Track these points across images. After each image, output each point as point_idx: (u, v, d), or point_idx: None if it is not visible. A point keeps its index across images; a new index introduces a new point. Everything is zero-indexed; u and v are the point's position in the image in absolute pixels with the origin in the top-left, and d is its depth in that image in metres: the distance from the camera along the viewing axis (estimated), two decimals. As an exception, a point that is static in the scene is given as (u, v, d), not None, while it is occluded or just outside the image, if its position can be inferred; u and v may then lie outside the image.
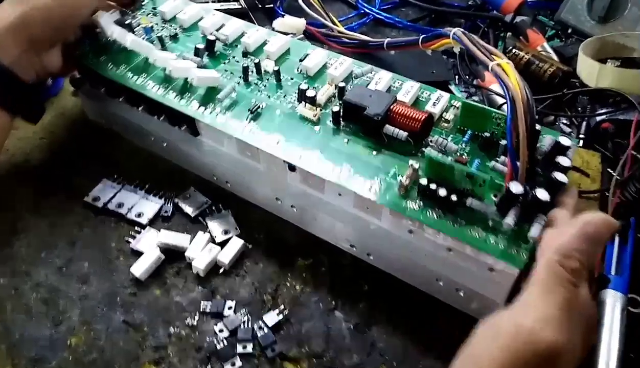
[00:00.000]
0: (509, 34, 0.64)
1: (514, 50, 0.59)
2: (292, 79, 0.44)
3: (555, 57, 0.59)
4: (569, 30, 0.64)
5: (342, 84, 0.42)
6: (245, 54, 0.47)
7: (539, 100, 0.55)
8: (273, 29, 0.56)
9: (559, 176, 0.33)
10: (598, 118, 0.52)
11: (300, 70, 0.45)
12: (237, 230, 0.45)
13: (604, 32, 0.61)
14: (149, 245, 0.44)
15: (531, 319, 0.27)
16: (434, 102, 0.41)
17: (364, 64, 0.45)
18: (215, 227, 0.45)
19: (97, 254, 0.44)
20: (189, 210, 0.46)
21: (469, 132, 0.39)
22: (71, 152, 0.52)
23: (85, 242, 0.45)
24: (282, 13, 0.67)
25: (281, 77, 0.44)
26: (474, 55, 0.37)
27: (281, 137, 0.40)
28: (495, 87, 0.55)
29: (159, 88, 0.44)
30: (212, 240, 0.44)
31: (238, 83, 0.44)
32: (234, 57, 0.47)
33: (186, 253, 0.43)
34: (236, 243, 0.44)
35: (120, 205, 0.47)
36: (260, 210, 0.46)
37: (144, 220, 0.46)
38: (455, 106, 0.41)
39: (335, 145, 0.39)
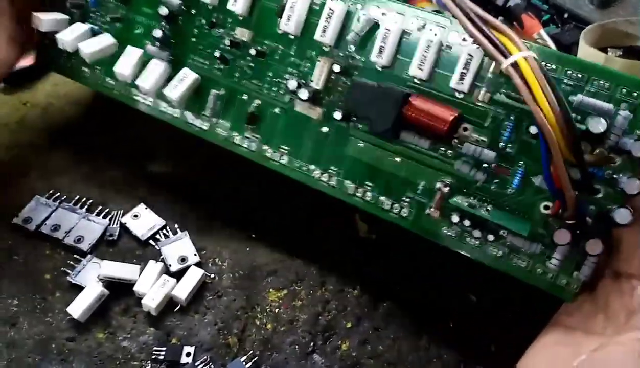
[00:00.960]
0: (500, 18, 0.57)
1: (508, 38, 0.53)
2: (279, 50, 0.35)
3: (552, 46, 0.53)
4: (565, 15, 0.59)
5: (336, 68, 0.33)
6: (212, 24, 0.36)
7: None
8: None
9: (620, 215, 0.26)
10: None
11: (283, 35, 0.34)
12: (197, 256, 0.38)
13: (604, 18, 0.56)
14: (91, 278, 0.37)
15: None
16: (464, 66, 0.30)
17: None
18: (170, 253, 0.38)
19: (28, 289, 0.37)
20: (138, 232, 0.39)
21: (512, 118, 0.30)
22: (-2, 162, 0.44)
23: (14, 273, 0.38)
24: None
25: (265, 51, 0.35)
26: (470, 36, 0.28)
27: (288, 150, 0.35)
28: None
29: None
30: (166, 269, 0.37)
31: (218, 69, 0.37)
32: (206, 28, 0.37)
33: (135, 288, 0.36)
34: (195, 274, 0.37)
35: (56, 227, 0.39)
36: (224, 231, 0.40)
37: (84, 245, 0.38)
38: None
39: (351, 153, 0.34)
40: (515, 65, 0.26)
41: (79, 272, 0.37)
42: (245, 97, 0.36)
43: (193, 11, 0.36)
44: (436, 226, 0.32)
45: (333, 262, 0.39)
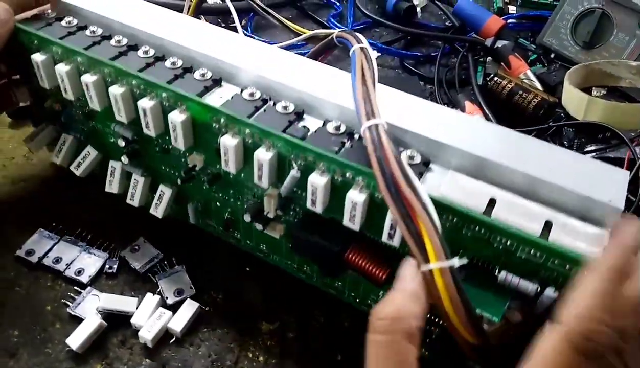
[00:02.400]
0: (489, 58, 0.60)
1: (495, 79, 0.55)
2: (230, 177, 0.36)
3: (539, 86, 0.55)
4: (552, 55, 0.61)
5: (284, 192, 0.32)
6: (165, 150, 0.38)
7: (523, 132, 0.51)
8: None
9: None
10: (587, 156, 0.48)
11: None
12: (192, 289, 0.40)
13: (589, 58, 0.58)
14: (90, 310, 0.38)
15: None
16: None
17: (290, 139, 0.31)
18: (167, 286, 0.39)
19: (29, 320, 0.38)
20: (136, 265, 0.41)
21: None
22: (3, 195, 0.46)
23: (16, 304, 0.39)
24: (249, 34, 0.62)
25: (220, 174, 0.36)
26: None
27: (265, 250, 0.38)
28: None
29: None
30: (163, 302, 0.39)
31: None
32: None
33: (132, 320, 0.37)
34: (190, 307, 0.38)
35: (57, 260, 0.41)
36: (219, 265, 0.41)
37: (84, 278, 0.40)
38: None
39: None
40: (430, 273, 0.24)
41: (79, 304, 0.38)
42: (218, 204, 0.39)
43: (146, 141, 0.38)
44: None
45: (322, 294, 0.40)
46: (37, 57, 0.38)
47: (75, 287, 0.40)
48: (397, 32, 0.64)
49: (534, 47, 0.63)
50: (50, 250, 0.41)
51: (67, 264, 0.41)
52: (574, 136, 0.51)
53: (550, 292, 0.27)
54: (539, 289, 0.27)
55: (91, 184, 0.44)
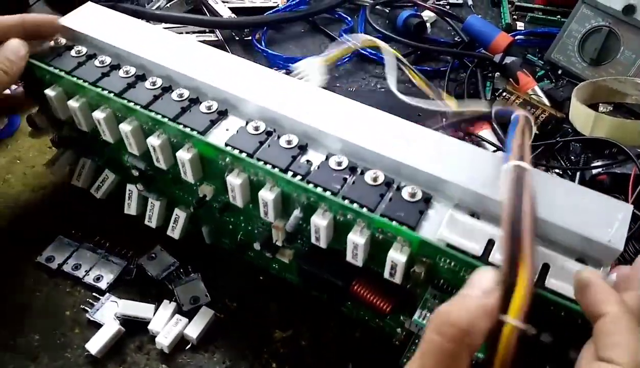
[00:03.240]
0: (497, 74, 0.61)
1: (504, 94, 0.56)
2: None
3: (546, 101, 0.56)
4: (559, 71, 0.62)
5: (289, 228, 0.34)
6: (176, 180, 0.39)
7: (531, 147, 0.52)
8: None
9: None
10: (593, 171, 0.49)
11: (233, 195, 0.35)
12: (208, 297, 0.41)
13: (596, 75, 0.59)
14: (108, 316, 0.39)
15: None
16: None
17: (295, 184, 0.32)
18: (183, 293, 0.41)
19: (50, 325, 0.39)
20: (153, 273, 0.42)
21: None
22: (24, 203, 0.47)
23: (37, 310, 0.40)
24: (262, 48, 0.64)
25: (228, 203, 0.37)
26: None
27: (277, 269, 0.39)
28: (486, 133, 0.52)
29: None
30: (179, 309, 0.40)
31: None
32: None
33: (149, 326, 0.38)
34: (206, 314, 0.39)
35: (77, 266, 0.42)
36: (234, 273, 0.42)
37: (102, 284, 0.41)
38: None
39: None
40: (501, 323, 0.24)
41: (98, 309, 0.40)
42: (230, 227, 0.41)
43: (158, 170, 0.39)
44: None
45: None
46: (50, 92, 0.39)
47: (94, 293, 0.41)
48: (408, 47, 0.65)
49: (542, 63, 0.64)
50: (69, 257, 0.43)
51: (86, 271, 0.42)
52: (581, 151, 0.52)
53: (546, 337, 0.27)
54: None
55: (109, 194, 0.45)
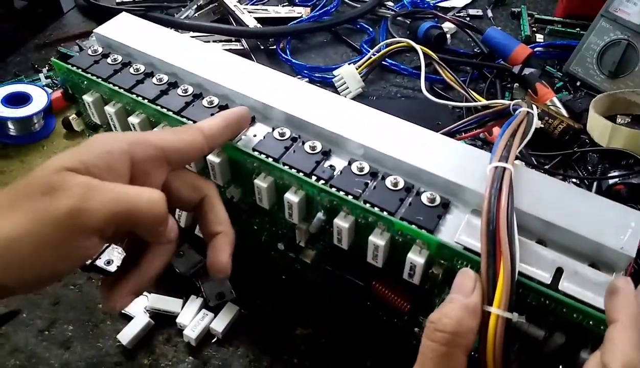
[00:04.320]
0: (516, 85, 0.62)
1: (522, 104, 0.57)
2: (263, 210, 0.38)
3: (564, 112, 0.57)
4: (578, 83, 0.63)
5: (313, 230, 0.36)
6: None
7: (549, 157, 0.54)
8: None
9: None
10: (610, 181, 0.50)
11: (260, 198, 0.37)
12: (233, 294, 0.42)
13: (614, 87, 0.60)
14: (138, 309, 0.41)
15: None
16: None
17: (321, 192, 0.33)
18: (209, 290, 0.42)
19: (82, 317, 0.41)
20: (182, 269, 0.44)
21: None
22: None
23: (70, 302, 0.42)
24: (286, 57, 0.66)
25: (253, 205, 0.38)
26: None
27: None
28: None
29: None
30: (205, 304, 0.42)
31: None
32: None
33: (178, 320, 0.40)
34: (231, 310, 0.41)
35: (109, 262, 0.44)
36: (258, 271, 0.44)
37: (133, 279, 0.43)
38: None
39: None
40: (487, 314, 0.27)
41: (128, 303, 0.42)
42: (255, 227, 0.42)
43: None
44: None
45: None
46: (88, 98, 0.41)
47: (125, 288, 0.43)
48: (427, 57, 0.66)
49: (561, 74, 0.65)
50: (102, 253, 0.45)
51: (117, 266, 0.44)
52: (598, 161, 0.53)
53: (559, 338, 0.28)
54: (547, 334, 0.28)
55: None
